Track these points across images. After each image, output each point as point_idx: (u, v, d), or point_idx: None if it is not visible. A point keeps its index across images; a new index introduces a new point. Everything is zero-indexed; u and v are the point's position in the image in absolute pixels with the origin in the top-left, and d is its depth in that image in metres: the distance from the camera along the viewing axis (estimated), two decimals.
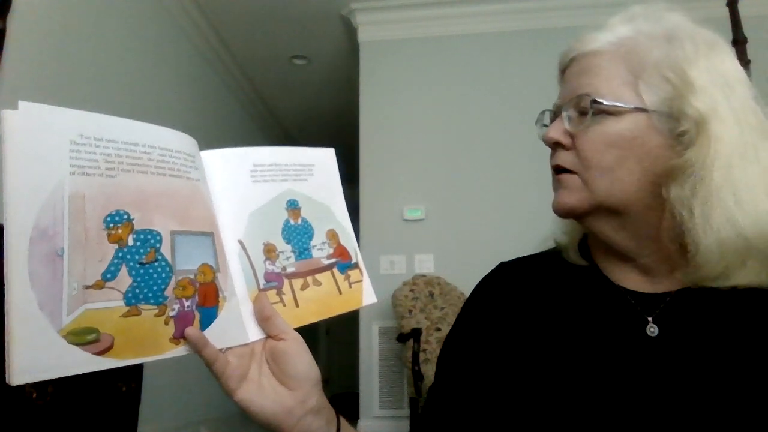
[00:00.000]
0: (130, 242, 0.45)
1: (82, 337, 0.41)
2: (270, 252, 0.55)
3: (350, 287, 0.60)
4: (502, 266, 0.69)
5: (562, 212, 0.60)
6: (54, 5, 2.23)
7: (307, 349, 0.52)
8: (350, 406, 3.23)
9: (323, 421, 0.52)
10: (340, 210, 0.63)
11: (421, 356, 2.56)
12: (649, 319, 0.57)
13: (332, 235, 0.61)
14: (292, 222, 0.58)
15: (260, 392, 0.50)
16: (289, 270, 0.56)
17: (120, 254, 0.44)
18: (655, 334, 0.56)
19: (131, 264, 0.45)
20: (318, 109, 4.96)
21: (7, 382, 0.38)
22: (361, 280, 0.62)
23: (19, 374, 0.38)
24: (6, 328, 0.38)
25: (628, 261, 0.59)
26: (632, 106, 0.54)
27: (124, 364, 0.43)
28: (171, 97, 3.23)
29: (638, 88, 0.55)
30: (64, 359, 0.40)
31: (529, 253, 0.69)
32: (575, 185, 0.57)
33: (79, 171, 0.43)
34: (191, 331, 0.47)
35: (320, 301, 0.58)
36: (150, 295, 0.45)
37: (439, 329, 2.73)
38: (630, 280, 0.60)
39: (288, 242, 0.57)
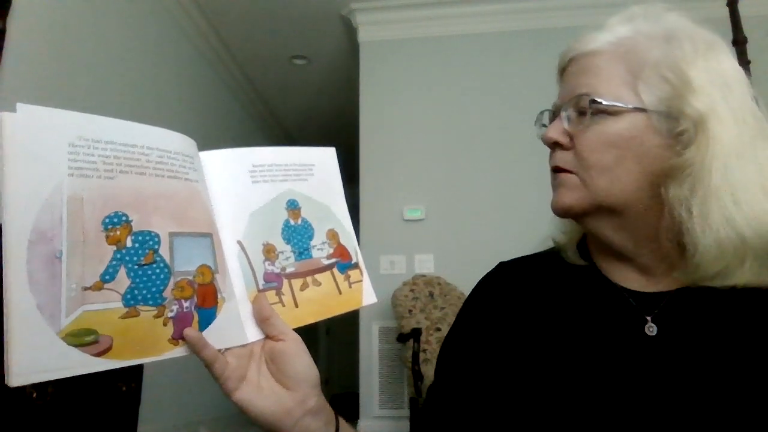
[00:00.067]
0: (129, 244, 0.45)
1: (81, 338, 0.41)
2: (269, 252, 0.55)
3: (350, 287, 0.60)
4: (502, 266, 0.69)
5: (561, 211, 0.60)
6: (54, 5, 2.23)
7: (306, 349, 0.52)
8: (350, 406, 3.23)
9: (322, 422, 0.52)
10: (340, 210, 0.63)
11: (421, 356, 2.56)
12: (648, 318, 0.57)
13: (332, 235, 0.61)
14: (291, 222, 0.58)
15: (259, 393, 0.50)
16: (289, 270, 0.56)
17: (118, 256, 0.44)
18: (654, 333, 0.56)
19: (130, 265, 0.45)
20: (318, 109, 4.96)
21: (6, 383, 0.38)
22: (361, 280, 0.62)
23: (18, 375, 0.39)
24: (5, 330, 0.39)
25: (627, 260, 0.59)
26: (631, 106, 0.54)
27: (123, 365, 0.43)
28: (171, 97, 3.23)
29: (637, 88, 0.55)
30: (63, 360, 0.41)
31: (529, 253, 0.70)
32: (574, 184, 0.57)
33: (78, 173, 0.43)
34: (190, 332, 0.47)
35: (320, 302, 0.57)
36: (149, 296, 0.45)
37: (439, 329, 2.73)
38: (629, 279, 0.60)
39: (288, 242, 0.57)
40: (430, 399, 0.64)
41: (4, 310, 0.39)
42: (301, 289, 0.57)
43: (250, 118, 4.78)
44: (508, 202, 3.18)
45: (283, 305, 0.55)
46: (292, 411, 0.50)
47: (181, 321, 0.47)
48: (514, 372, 0.59)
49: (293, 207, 0.59)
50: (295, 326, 0.54)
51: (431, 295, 2.87)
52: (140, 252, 0.45)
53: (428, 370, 2.51)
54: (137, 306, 0.45)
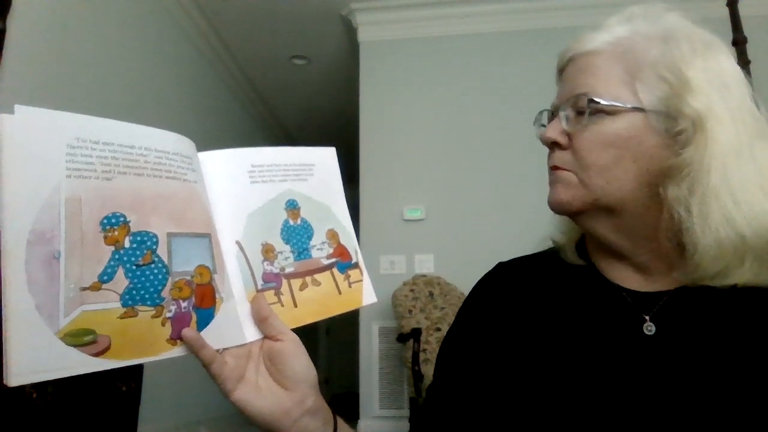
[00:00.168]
0: (127, 244, 0.45)
1: (80, 338, 0.41)
2: (268, 252, 0.55)
3: (350, 287, 0.60)
4: (501, 266, 0.69)
5: (557, 207, 0.60)
6: (54, 5, 2.23)
7: (305, 349, 0.52)
8: (350, 406, 3.23)
9: (320, 422, 0.52)
10: (340, 209, 0.63)
11: (421, 356, 2.56)
12: (647, 317, 0.57)
13: (332, 235, 0.61)
14: (291, 222, 0.58)
15: (257, 393, 0.50)
16: (288, 270, 0.56)
17: (117, 256, 0.44)
18: (653, 332, 0.56)
19: (128, 266, 0.45)
20: (318, 109, 4.97)
21: (4, 383, 0.39)
22: (361, 280, 0.62)
23: (17, 375, 0.39)
24: (4, 330, 0.39)
25: (625, 260, 0.60)
26: (629, 106, 0.54)
27: (121, 365, 0.43)
28: (171, 97, 3.23)
29: (635, 88, 0.55)
30: (62, 360, 0.41)
31: (528, 253, 0.70)
32: (571, 182, 0.58)
33: (76, 174, 0.43)
34: (188, 332, 0.47)
35: (319, 302, 0.57)
36: (147, 296, 0.45)
37: (439, 329, 2.73)
38: (627, 279, 0.60)
39: (287, 242, 0.57)
40: (429, 399, 0.65)
41: (3, 311, 0.39)
42: (301, 289, 0.57)
43: (250, 118, 4.78)
44: (508, 202, 3.18)
45: (282, 305, 0.55)
46: (290, 411, 0.50)
47: (179, 321, 0.47)
48: (513, 372, 0.59)
49: (292, 207, 0.59)
50: (294, 326, 0.54)
51: (431, 295, 2.87)
52: (138, 252, 0.46)
53: (428, 370, 2.51)
54: (135, 306, 0.45)
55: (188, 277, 0.48)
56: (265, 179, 0.57)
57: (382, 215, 3.28)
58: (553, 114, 0.61)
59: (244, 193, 0.56)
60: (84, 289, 0.42)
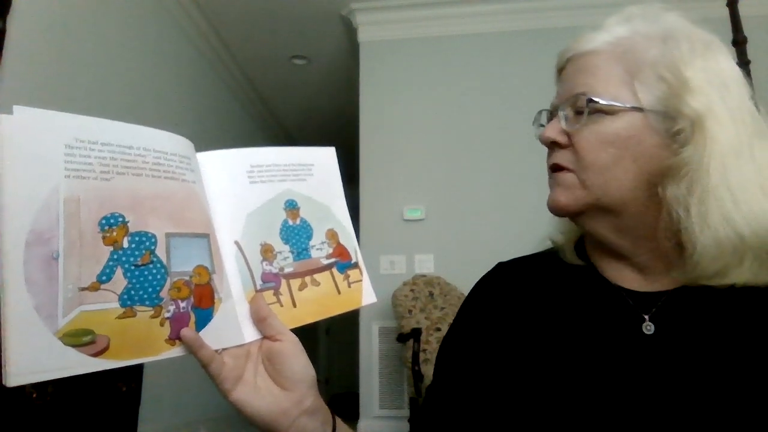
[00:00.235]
0: (125, 244, 0.45)
1: (78, 338, 0.42)
2: (267, 253, 0.55)
3: (349, 287, 0.60)
4: (500, 266, 0.69)
5: (557, 210, 0.60)
6: (54, 5, 2.23)
7: (303, 350, 0.52)
8: (350, 406, 3.24)
9: (318, 422, 0.52)
10: (340, 209, 0.62)
11: (421, 356, 2.56)
12: (646, 317, 0.57)
13: (332, 235, 0.61)
14: (290, 222, 0.58)
15: (255, 393, 0.50)
16: (287, 270, 0.56)
17: (115, 256, 0.44)
18: (652, 332, 0.56)
19: (126, 266, 0.45)
20: (318, 109, 4.97)
21: (3, 383, 0.39)
22: (361, 280, 0.61)
23: (16, 376, 0.39)
24: (2, 331, 0.39)
25: (624, 260, 0.60)
26: (629, 106, 0.55)
27: (120, 365, 0.44)
28: (171, 97, 3.23)
29: (634, 88, 0.55)
30: (61, 361, 0.41)
31: (528, 254, 0.70)
32: (571, 183, 0.58)
33: (74, 174, 0.43)
34: (186, 332, 0.47)
35: (318, 302, 0.57)
36: (145, 296, 0.45)
37: (439, 329, 2.73)
38: (626, 278, 0.60)
39: (286, 242, 0.57)
40: (429, 399, 0.65)
41: (2, 311, 0.39)
42: (300, 289, 0.57)
43: (250, 118, 4.78)
44: (508, 202, 3.18)
45: (281, 305, 0.55)
46: (288, 411, 0.50)
47: (177, 321, 0.47)
48: (512, 372, 0.59)
49: (292, 207, 0.59)
50: (294, 326, 0.54)
51: (431, 295, 2.87)
52: (137, 253, 0.46)
53: (428, 370, 2.51)
54: (134, 306, 0.45)
55: (187, 278, 0.48)
56: (264, 179, 0.57)
57: (382, 215, 3.28)
58: (552, 114, 0.61)
59: (243, 193, 0.56)
60: (83, 289, 0.42)
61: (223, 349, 0.50)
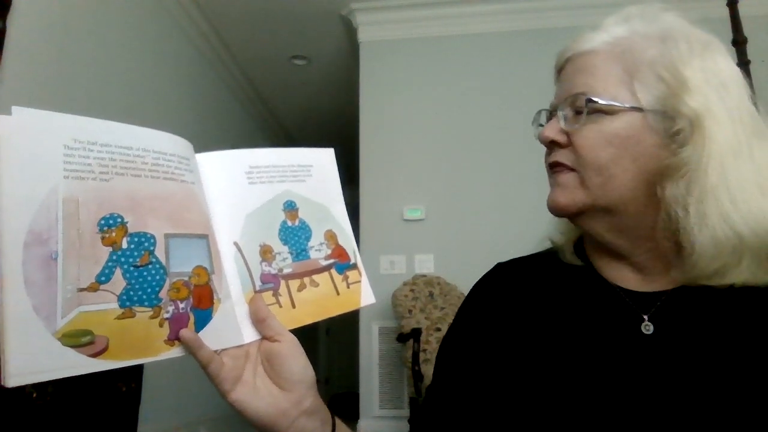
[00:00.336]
0: (124, 245, 0.45)
1: (77, 339, 0.41)
2: (266, 253, 0.55)
3: (348, 288, 0.60)
4: (499, 267, 0.69)
5: (557, 210, 0.60)
6: (54, 5, 2.23)
7: (302, 350, 0.52)
8: (350, 406, 3.23)
9: (318, 423, 0.52)
10: (338, 210, 0.63)
11: (421, 356, 2.56)
12: (645, 317, 0.57)
13: (330, 236, 0.61)
14: (289, 223, 0.58)
15: (255, 394, 0.50)
16: (286, 271, 0.56)
17: (114, 257, 0.44)
18: (651, 332, 0.56)
19: (125, 267, 0.45)
20: (318, 109, 4.97)
21: (2, 383, 0.39)
22: (360, 281, 0.61)
23: (15, 376, 0.39)
24: (1, 331, 0.39)
25: (623, 260, 0.60)
26: (627, 105, 0.55)
27: (119, 366, 0.43)
28: (171, 97, 3.23)
29: (633, 88, 0.55)
30: (60, 361, 0.41)
31: (527, 254, 0.70)
32: (571, 183, 0.58)
33: (73, 175, 0.43)
34: (186, 332, 0.47)
35: (317, 302, 0.57)
36: (144, 297, 0.45)
37: (439, 329, 2.73)
38: (625, 278, 0.60)
39: (285, 243, 0.57)
40: (429, 399, 0.65)
41: (1, 312, 0.39)
42: (299, 290, 0.57)
43: (250, 118, 4.78)
44: (507, 202, 3.18)
45: (280, 306, 0.55)
46: (287, 412, 0.50)
47: (176, 322, 0.47)
48: (511, 372, 0.59)
49: (290, 208, 0.59)
50: (293, 327, 0.54)
51: (431, 295, 2.87)
52: (136, 253, 0.46)
53: (428, 370, 2.51)
54: (133, 307, 0.45)
55: (186, 278, 0.48)
56: (263, 180, 0.57)
57: (382, 215, 3.28)
58: (551, 114, 0.61)
59: (242, 194, 0.56)
60: (81, 289, 0.42)
61: (222, 350, 0.50)
